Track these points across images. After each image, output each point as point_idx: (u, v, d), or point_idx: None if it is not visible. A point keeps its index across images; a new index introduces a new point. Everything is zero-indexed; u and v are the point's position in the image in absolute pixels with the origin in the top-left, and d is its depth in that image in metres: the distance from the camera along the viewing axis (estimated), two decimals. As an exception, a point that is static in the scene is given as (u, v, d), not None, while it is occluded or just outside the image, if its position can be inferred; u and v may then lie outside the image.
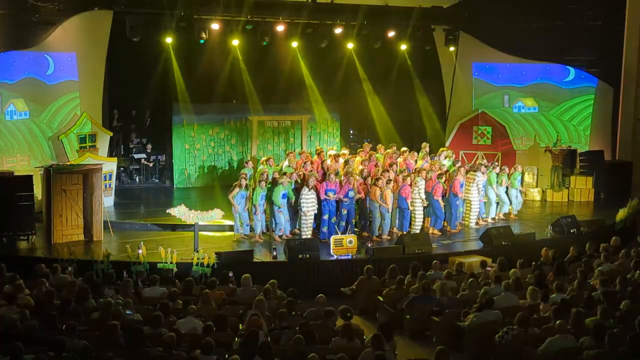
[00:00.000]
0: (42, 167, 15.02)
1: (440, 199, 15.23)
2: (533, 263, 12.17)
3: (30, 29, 16.00)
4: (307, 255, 13.09)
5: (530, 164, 19.50)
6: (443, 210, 15.41)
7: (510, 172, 16.72)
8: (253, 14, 17.73)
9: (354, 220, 14.67)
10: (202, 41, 17.56)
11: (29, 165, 16.19)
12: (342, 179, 14.72)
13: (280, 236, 14.46)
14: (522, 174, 17.45)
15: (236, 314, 9.52)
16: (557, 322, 8.63)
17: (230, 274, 11.59)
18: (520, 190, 16.97)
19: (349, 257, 13.47)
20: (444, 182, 15.47)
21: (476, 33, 20.01)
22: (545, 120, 20.56)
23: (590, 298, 9.71)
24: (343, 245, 13.55)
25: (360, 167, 15.81)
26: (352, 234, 14.00)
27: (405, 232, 14.87)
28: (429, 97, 21.21)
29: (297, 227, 14.80)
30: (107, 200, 16.23)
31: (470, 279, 10.87)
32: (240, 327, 9.09)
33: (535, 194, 18.99)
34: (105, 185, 16.28)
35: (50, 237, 14.05)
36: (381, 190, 14.58)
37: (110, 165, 17.06)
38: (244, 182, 14.44)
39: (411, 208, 15.07)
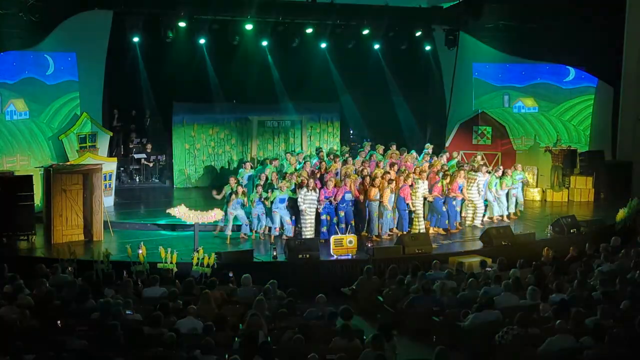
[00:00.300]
0: (42, 167, 15.02)
1: (440, 198, 15.22)
2: (533, 263, 12.17)
3: (30, 29, 16.00)
4: (307, 255, 13.08)
5: (530, 164, 19.50)
6: (445, 210, 15.39)
7: (510, 173, 16.74)
8: (253, 14, 17.73)
9: (352, 222, 14.64)
10: (202, 41, 17.58)
11: (29, 165, 16.18)
12: (340, 179, 14.75)
13: (276, 236, 14.42)
14: (523, 172, 17.51)
15: (236, 314, 9.52)
16: (557, 322, 8.63)
17: (230, 274, 11.59)
18: (521, 182, 17.04)
19: (349, 257, 13.47)
20: (447, 183, 15.43)
21: (476, 33, 20.02)
22: (545, 120, 20.56)
23: (590, 298, 9.72)
24: (343, 245, 13.55)
25: (360, 167, 15.82)
26: (352, 234, 13.99)
27: (405, 232, 14.86)
28: (429, 97, 21.19)
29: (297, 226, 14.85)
30: (107, 200, 16.23)
31: (470, 279, 10.86)
32: (240, 327, 9.09)
33: (535, 194, 18.99)
34: (105, 185, 16.28)
35: (50, 237, 14.06)
36: (379, 190, 14.59)
37: (110, 165, 17.06)
38: (240, 190, 14.46)
39: (413, 209, 15.06)
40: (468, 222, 16.13)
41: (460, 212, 16.09)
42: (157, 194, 19.28)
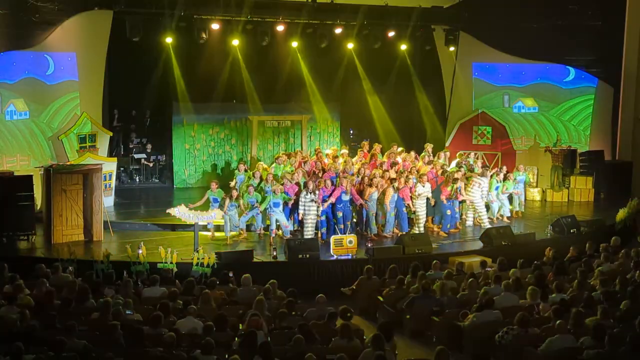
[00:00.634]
0: (42, 167, 15.02)
1: (446, 200, 15.23)
2: (534, 263, 12.16)
3: (30, 29, 16.00)
4: (307, 255, 13.08)
5: (530, 164, 19.50)
6: (449, 214, 15.39)
7: (512, 177, 16.76)
8: (253, 14, 17.73)
9: (348, 223, 14.64)
10: (202, 41, 17.58)
11: (29, 165, 16.18)
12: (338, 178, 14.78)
13: (273, 237, 14.41)
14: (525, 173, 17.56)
15: (236, 314, 9.51)
16: (557, 322, 8.63)
17: (231, 274, 11.59)
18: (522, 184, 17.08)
19: (349, 257, 13.47)
20: (456, 188, 15.42)
21: (476, 33, 20.02)
22: (545, 120, 20.57)
23: (590, 298, 9.71)
24: (343, 245, 13.55)
25: (358, 166, 15.83)
26: (352, 234, 13.99)
27: (405, 232, 14.87)
28: (429, 97, 21.21)
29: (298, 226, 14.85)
30: (107, 200, 16.23)
31: (470, 279, 10.86)
32: (240, 327, 9.09)
33: (535, 194, 18.99)
34: (105, 185, 16.28)
35: (50, 237, 14.06)
36: (378, 189, 14.59)
37: (110, 165, 17.06)
38: (235, 194, 14.46)
39: (413, 209, 15.05)
40: (469, 223, 16.13)
41: (461, 213, 16.10)
42: (157, 194, 19.27)
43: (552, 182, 19.06)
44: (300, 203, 14.27)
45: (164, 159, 20.57)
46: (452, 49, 20.06)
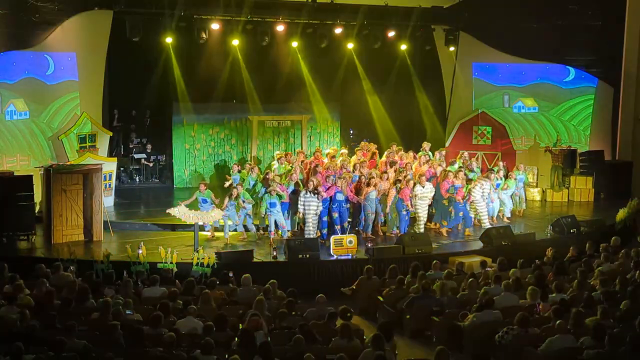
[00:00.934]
0: (42, 167, 15.02)
1: (461, 201, 15.23)
2: (535, 262, 12.16)
3: (30, 29, 16.00)
4: (307, 255, 13.07)
5: (530, 164, 19.50)
6: (469, 213, 15.40)
7: (514, 177, 16.76)
8: (253, 14, 17.73)
9: (345, 224, 14.62)
10: (202, 41, 17.59)
11: (29, 165, 16.18)
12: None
13: (273, 237, 14.38)
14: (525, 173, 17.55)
15: (236, 314, 9.51)
16: (557, 322, 8.63)
17: (231, 274, 11.58)
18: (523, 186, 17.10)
19: (349, 257, 13.47)
20: (466, 187, 15.44)
21: (476, 33, 20.03)
22: (545, 120, 20.57)
23: (590, 298, 9.71)
24: (343, 245, 13.54)
25: (353, 161, 15.85)
26: (352, 234, 13.99)
27: (404, 233, 14.86)
28: (429, 97, 21.22)
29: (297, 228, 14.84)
30: (107, 200, 16.22)
31: (470, 279, 10.86)
32: (240, 327, 9.08)
33: (535, 194, 18.99)
34: (105, 185, 16.28)
35: (50, 237, 14.06)
36: (375, 189, 14.60)
37: (110, 165, 17.06)
38: (235, 193, 14.45)
39: (412, 208, 15.05)
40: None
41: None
42: (157, 194, 19.27)
43: (552, 182, 19.06)
44: (299, 202, 14.26)
45: (164, 159, 20.57)
46: (452, 49, 20.07)
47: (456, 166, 16.75)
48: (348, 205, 14.73)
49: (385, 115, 21.09)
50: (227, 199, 14.32)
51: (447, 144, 20.13)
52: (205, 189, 14.71)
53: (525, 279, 11.14)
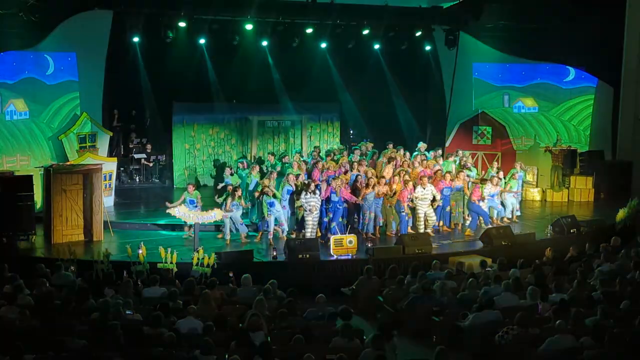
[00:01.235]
0: (42, 167, 15.02)
1: (477, 202, 15.27)
2: (534, 263, 12.16)
3: (30, 29, 15.99)
4: (307, 255, 13.07)
5: (530, 164, 19.49)
6: (486, 211, 15.46)
7: (517, 176, 16.76)
8: (252, 14, 17.73)
9: (341, 219, 14.62)
10: (202, 41, 17.56)
11: (29, 165, 16.19)
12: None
13: (274, 238, 14.39)
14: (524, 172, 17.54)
15: (236, 314, 9.51)
16: (557, 322, 8.63)
17: (231, 274, 11.58)
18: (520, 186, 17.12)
19: (349, 257, 13.47)
20: (481, 187, 15.45)
21: (476, 33, 20.02)
22: (545, 120, 20.57)
23: (590, 298, 9.72)
24: (343, 245, 13.55)
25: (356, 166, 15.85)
26: (352, 234, 13.99)
27: (404, 233, 14.85)
28: (429, 97, 21.19)
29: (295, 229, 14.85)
30: (107, 200, 16.23)
31: (470, 279, 10.86)
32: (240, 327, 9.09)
33: (535, 194, 18.99)
34: (105, 185, 16.28)
35: (50, 237, 14.06)
36: (374, 191, 14.59)
37: (110, 165, 17.06)
38: (238, 192, 14.44)
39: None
40: (469, 223, 16.09)
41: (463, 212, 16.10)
42: (157, 194, 19.25)
43: (552, 182, 19.06)
44: (302, 204, 14.26)
45: (164, 159, 20.57)
46: (452, 49, 20.05)
47: (452, 164, 16.74)
48: (345, 205, 14.72)
49: (386, 115, 21.08)
50: (229, 200, 14.32)
51: (447, 144, 20.13)
52: (194, 190, 14.72)
53: (525, 279, 11.14)
